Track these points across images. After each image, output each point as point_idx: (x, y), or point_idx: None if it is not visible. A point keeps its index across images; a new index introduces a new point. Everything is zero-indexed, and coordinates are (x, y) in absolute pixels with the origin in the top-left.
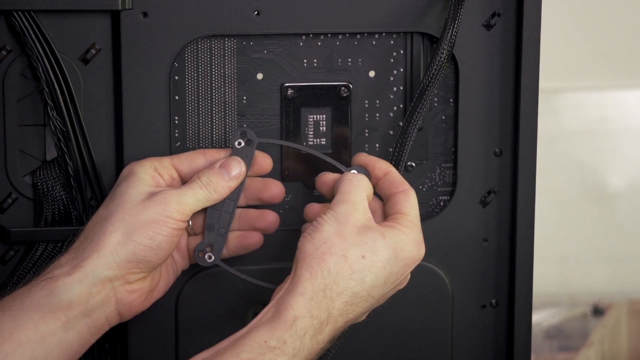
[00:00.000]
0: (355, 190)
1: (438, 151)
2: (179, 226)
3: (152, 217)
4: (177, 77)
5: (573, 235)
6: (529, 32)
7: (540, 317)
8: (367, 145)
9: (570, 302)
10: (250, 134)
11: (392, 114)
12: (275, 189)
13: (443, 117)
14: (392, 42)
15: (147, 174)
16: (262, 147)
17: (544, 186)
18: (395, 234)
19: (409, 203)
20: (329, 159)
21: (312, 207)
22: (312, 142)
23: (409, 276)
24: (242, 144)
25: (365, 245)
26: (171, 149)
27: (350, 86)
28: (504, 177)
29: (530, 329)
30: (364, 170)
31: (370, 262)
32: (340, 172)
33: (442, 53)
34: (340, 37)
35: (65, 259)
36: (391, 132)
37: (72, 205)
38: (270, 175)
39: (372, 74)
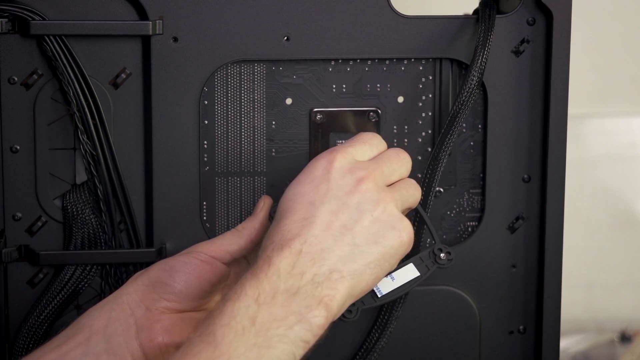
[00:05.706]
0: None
1: (466, 177)
2: (199, 256)
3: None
4: (206, 102)
5: (601, 262)
6: (557, 58)
7: (568, 344)
8: None
9: (597, 329)
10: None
11: (420, 140)
12: None
13: (471, 143)
14: (421, 68)
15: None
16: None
17: (572, 212)
18: None
19: None
20: None
21: None
22: None
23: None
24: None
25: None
26: (200, 173)
27: (379, 111)
28: (532, 204)
29: (557, 355)
30: None
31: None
32: None
33: (472, 80)
34: (369, 62)
35: None
36: (419, 158)
37: (101, 229)
38: None
39: (400, 99)
